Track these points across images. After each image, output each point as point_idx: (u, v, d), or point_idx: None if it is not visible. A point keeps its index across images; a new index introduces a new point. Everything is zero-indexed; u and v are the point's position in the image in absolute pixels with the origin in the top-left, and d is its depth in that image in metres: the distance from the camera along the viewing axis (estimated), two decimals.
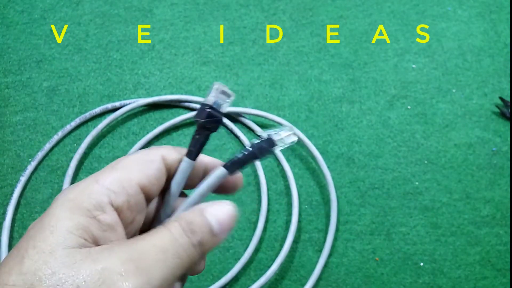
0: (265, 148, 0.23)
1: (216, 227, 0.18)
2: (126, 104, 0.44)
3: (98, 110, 0.44)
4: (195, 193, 0.22)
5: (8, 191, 0.40)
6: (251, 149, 0.23)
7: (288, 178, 0.41)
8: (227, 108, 0.22)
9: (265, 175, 0.42)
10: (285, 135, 0.25)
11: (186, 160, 0.22)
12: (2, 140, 0.43)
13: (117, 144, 0.43)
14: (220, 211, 0.19)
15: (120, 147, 0.43)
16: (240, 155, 0.23)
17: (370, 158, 0.44)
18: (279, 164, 0.42)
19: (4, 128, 0.43)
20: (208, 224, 0.18)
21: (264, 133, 0.24)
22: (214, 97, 0.23)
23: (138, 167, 0.19)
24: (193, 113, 0.44)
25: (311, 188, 0.42)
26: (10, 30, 0.49)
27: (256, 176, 0.42)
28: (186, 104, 0.45)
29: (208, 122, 0.23)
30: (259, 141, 0.23)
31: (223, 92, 0.23)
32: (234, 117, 0.45)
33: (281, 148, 0.24)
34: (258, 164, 0.42)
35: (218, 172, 0.23)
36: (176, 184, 0.22)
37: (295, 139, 0.25)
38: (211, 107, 0.22)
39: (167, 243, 0.17)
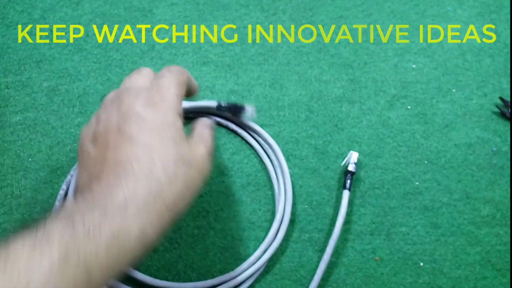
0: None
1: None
2: None
3: None
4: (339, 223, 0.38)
5: (8, 191, 0.40)
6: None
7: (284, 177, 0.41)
8: (245, 119, 0.42)
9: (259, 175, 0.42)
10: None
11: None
12: (2, 140, 0.43)
13: None
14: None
15: None
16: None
17: (370, 158, 0.44)
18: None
19: (4, 128, 0.43)
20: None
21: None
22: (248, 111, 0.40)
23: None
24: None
25: (311, 188, 0.42)
26: (10, 30, 0.49)
27: (256, 176, 0.42)
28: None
29: (233, 113, 0.42)
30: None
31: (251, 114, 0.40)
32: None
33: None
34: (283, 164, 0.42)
35: (347, 194, 0.39)
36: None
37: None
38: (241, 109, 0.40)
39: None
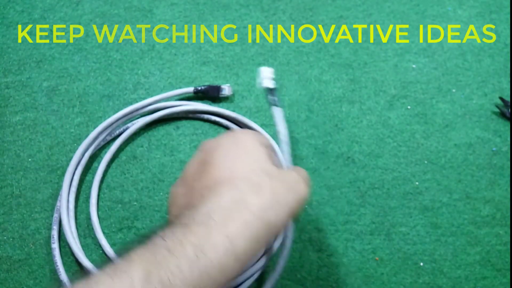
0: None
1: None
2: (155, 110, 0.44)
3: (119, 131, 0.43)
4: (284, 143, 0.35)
5: (8, 191, 0.40)
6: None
7: None
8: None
9: None
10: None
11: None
12: (2, 140, 0.43)
13: None
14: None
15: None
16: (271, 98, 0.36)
17: (370, 158, 0.44)
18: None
19: (4, 128, 0.43)
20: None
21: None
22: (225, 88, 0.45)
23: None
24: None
25: (311, 188, 0.42)
26: (10, 30, 0.49)
27: None
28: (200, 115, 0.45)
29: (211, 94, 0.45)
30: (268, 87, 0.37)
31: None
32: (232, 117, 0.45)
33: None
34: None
35: (278, 111, 0.35)
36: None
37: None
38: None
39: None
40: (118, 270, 0.20)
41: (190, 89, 0.45)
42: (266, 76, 0.37)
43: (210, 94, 0.45)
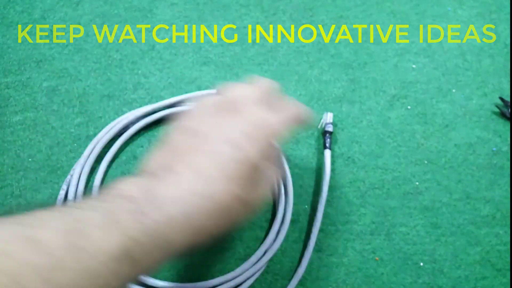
0: None
1: None
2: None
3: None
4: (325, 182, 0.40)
5: (8, 191, 0.40)
6: None
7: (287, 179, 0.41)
8: None
9: None
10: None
11: None
12: (2, 140, 0.43)
13: None
14: None
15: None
16: None
17: (370, 158, 0.44)
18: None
19: (4, 128, 0.43)
20: None
21: None
22: None
23: None
24: None
25: (311, 188, 0.42)
26: (10, 30, 0.49)
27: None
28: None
29: None
30: None
31: None
32: None
33: None
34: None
35: (328, 153, 0.41)
36: None
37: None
38: None
39: None
40: (107, 223, 0.21)
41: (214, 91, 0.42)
42: (329, 121, 0.43)
43: None
